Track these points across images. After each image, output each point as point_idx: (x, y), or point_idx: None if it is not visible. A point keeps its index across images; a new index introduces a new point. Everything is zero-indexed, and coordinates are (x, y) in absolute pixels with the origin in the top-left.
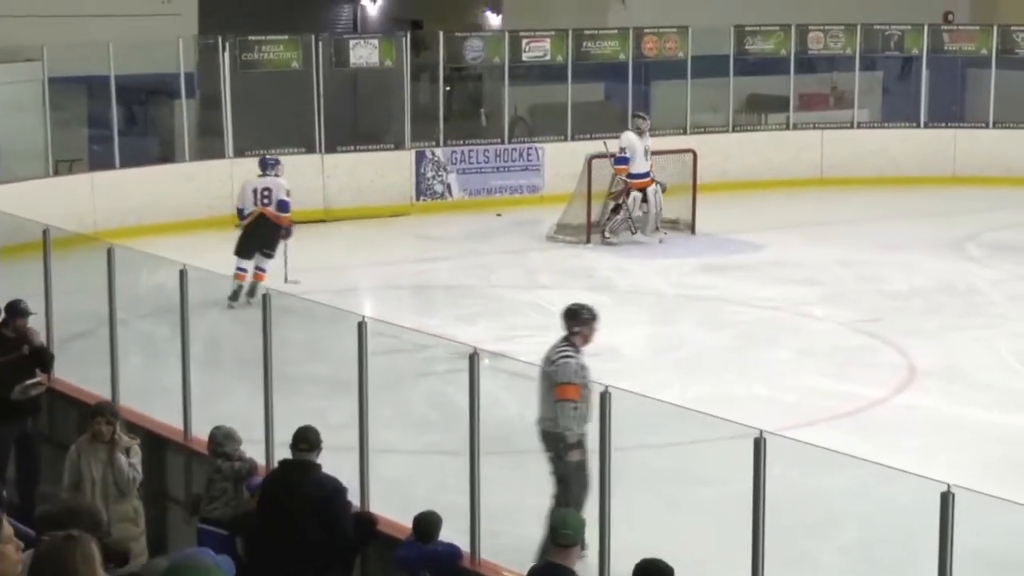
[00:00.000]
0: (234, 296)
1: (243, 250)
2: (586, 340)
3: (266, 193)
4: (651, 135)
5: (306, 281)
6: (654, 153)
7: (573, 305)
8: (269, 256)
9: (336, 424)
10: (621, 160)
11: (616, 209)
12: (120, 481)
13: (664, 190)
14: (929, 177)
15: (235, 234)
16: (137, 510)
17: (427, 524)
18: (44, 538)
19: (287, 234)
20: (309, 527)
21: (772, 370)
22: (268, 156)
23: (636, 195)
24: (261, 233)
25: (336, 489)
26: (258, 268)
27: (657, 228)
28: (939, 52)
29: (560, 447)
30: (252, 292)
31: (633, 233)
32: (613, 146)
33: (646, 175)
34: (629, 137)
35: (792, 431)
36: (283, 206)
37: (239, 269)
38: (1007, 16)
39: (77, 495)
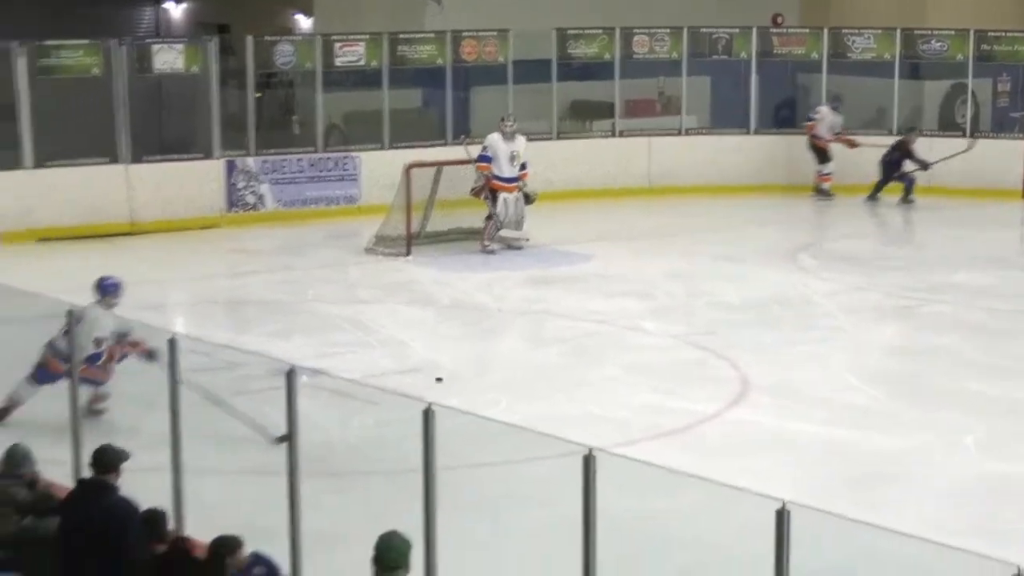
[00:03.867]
0: None
1: None
2: None
3: None
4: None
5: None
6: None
7: None
8: None
9: (149, 444)
10: (483, 158)
11: (490, 217)
12: None
13: (530, 201)
14: (760, 185)
15: (35, 248)
16: None
17: (215, 549)
18: None
19: None
20: (99, 550)
21: (601, 386)
22: None
23: (506, 197)
24: None
25: (127, 514)
26: None
27: (520, 234)
28: (768, 56)
29: None
30: None
31: (499, 228)
32: (474, 151)
33: (511, 180)
34: (492, 137)
35: (623, 449)
36: None
37: None
38: (838, 19)
39: None
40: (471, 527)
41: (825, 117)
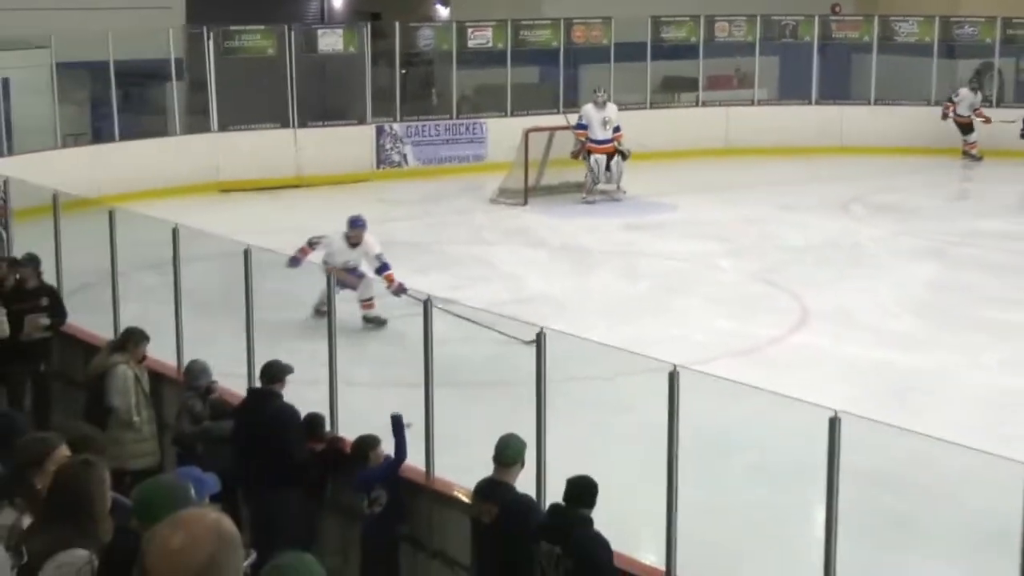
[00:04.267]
0: None
1: None
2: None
3: None
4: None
5: (282, 239)
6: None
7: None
8: None
9: (309, 361)
10: (579, 126)
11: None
12: (147, 393)
13: (625, 158)
14: (819, 147)
15: (219, 198)
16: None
17: (359, 446)
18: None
19: None
20: (265, 448)
21: (684, 314)
22: None
23: (597, 158)
24: None
25: (290, 418)
26: None
27: (617, 187)
28: (828, 39)
29: None
30: None
31: (595, 183)
32: (573, 119)
33: (604, 142)
34: (586, 108)
35: (702, 366)
36: None
37: None
38: (887, 8)
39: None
40: (575, 430)
41: (965, 98)
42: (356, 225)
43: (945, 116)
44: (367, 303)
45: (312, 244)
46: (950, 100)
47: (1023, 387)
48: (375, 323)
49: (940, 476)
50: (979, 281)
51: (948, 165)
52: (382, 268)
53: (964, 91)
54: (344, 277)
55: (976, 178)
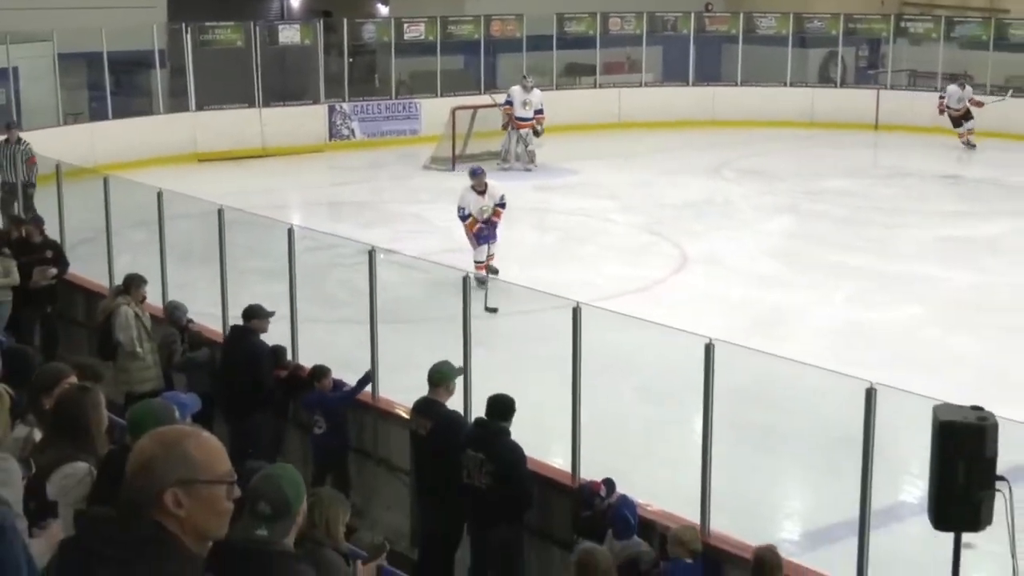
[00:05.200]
0: None
1: None
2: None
3: None
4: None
5: (250, 200)
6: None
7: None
8: None
9: (273, 302)
10: (507, 102)
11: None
12: (148, 328)
13: (537, 135)
14: (695, 121)
15: (196, 167)
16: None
17: (312, 374)
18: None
19: None
20: (241, 377)
21: (585, 260)
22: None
23: (512, 131)
24: None
25: (262, 352)
26: None
27: (531, 161)
28: (702, 32)
29: None
30: None
31: (506, 161)
32: (499, 98)
33: (525, 119)
34: (512, 89)
35: (601, 302)
36: None
37: None
38: (750, 6)
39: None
40: (496, 356)
41: (952, 94)
42: (476, 173)
43: (942, 112)
44: (479, 266)
45: (465, 217)
46: (941, 98)
47: (862, 318)
48: (479, 283)
49: (797, 391)
50: (826, 231)
51: (801, 136)
52: (500, 205)
53: (952, 88)
54: (471, 239)
55: (828, 145)
